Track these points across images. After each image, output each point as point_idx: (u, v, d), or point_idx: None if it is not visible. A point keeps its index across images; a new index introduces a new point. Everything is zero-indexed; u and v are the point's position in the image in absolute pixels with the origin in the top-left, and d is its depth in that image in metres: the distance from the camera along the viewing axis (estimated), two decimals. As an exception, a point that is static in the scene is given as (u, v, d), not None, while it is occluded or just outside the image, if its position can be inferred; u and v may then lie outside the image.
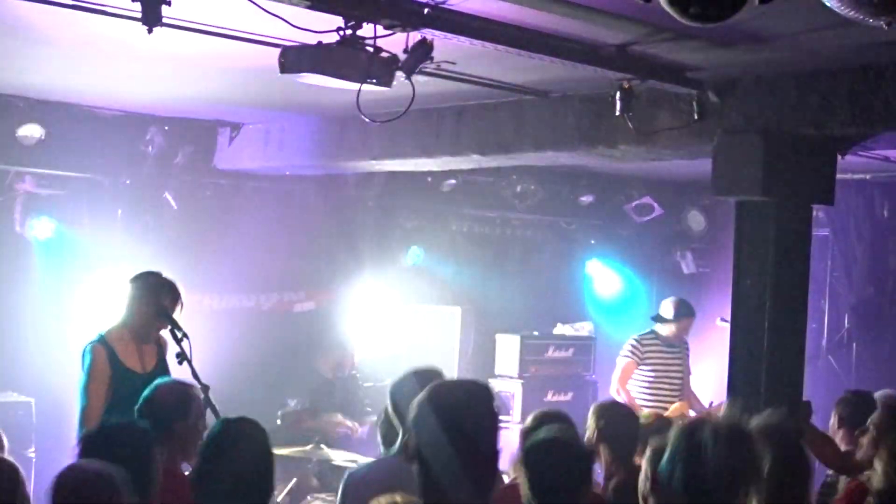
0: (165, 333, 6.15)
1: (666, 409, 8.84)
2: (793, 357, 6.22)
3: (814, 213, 6.57)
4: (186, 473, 4.59)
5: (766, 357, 6.04)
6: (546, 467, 3.90)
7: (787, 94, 5.93)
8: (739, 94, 6.12)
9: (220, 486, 3.91)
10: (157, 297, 6.12)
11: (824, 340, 10.58)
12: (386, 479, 3.93)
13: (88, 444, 3.98)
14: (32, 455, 7.91)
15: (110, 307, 8.11)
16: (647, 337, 9.26)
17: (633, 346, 9.23)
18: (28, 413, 8.07)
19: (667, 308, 9.30)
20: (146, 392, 4.90)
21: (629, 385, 9.15)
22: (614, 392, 9.09)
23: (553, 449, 3.99)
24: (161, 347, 6.24)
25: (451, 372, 10.29)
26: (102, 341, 6.07)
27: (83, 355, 6.05)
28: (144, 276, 6.24)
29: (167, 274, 6.32)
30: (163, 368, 6.16)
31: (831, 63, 5.65)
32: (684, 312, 9.22)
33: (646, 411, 8.47)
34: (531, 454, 3.99)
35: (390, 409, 4.67)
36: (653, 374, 9.15)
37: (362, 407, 9.10)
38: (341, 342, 9.44)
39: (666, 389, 9.11)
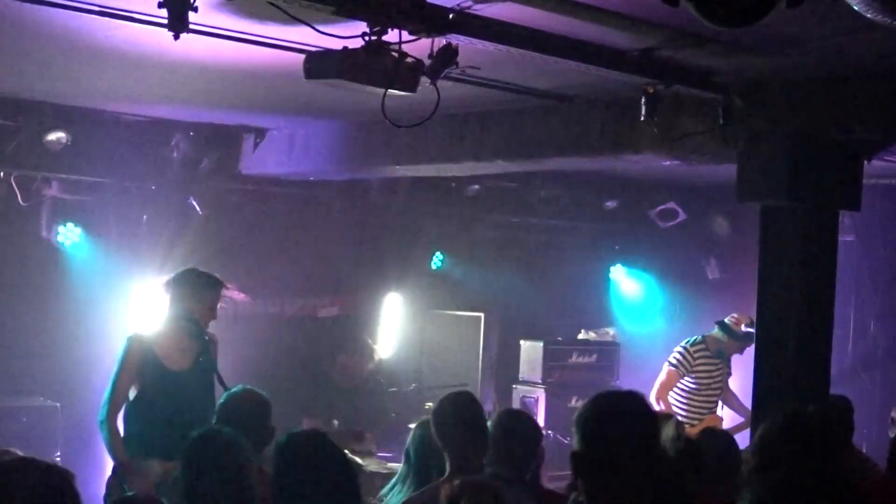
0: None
1: (697, 421, 8.68)
2: (818, 363, 6.18)
3: (840, 218, 6.53)
4: None
5: (791, 363, 6.01)
6: None
7: (813, 99, 5.89)
8: (765, 99, 6.09)
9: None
10: (201, 292, 6.20)
11: (850, 347, 10.49)
12: None
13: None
14: (58, 459, 7.91)
15: (135, 312, 8.22)
16: (698, 347, 8.99)
17: (682, 355, 8.96)
18: (54, 417, 8.10)
19: (741, 325, 8.95)
20: (223, 399, 5.21)
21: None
22: (653, 399, 8.77)
23: None
24: (208, 344, 6.20)
25: (474, 378, 10.29)
26: (141, 336, 6.16)
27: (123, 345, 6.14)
28: (188, 272, 6.29)
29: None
30: (202, 366, 6.14)
31: (858, 67, 5.61)
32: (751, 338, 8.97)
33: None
34: None
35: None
36: (694, 385, 8.97)
37: (387, 414, 9.05)
38: (353, 347, 9.32)
39: (702, 401, 8.95)
